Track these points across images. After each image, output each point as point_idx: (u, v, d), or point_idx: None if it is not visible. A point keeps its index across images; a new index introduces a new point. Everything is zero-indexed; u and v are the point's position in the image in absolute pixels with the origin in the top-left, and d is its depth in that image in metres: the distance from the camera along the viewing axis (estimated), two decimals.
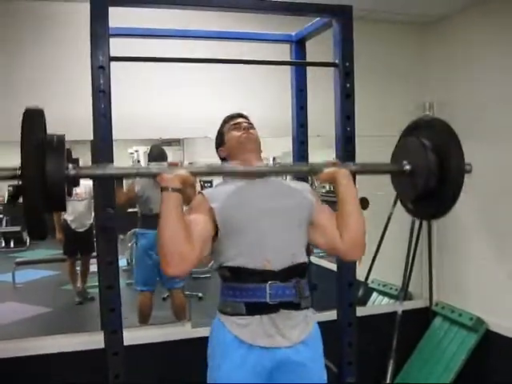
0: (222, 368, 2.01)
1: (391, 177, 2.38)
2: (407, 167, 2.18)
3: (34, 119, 1.74)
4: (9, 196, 1.75)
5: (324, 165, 2.12)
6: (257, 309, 1.99)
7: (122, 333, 2.20)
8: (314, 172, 2.15)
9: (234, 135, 2.21)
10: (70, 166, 1.79)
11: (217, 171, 2.14)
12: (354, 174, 2.17)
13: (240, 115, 2.29)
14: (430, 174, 2.09)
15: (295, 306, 2.03)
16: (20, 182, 1.67)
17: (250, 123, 2.27)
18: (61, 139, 1.80)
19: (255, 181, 2.12)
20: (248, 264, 1.99)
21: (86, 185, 4.78)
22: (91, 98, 2.26)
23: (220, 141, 2.28)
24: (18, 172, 1.66)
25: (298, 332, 2.03)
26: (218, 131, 2.31)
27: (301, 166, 2.33)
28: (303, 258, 2.09)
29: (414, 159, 2.16)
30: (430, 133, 2.15)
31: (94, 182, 2.74)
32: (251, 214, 2.02)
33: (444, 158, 2.06)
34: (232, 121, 2.26)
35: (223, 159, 2.26)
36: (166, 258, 1.85)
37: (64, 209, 1.82)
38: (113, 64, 2.15)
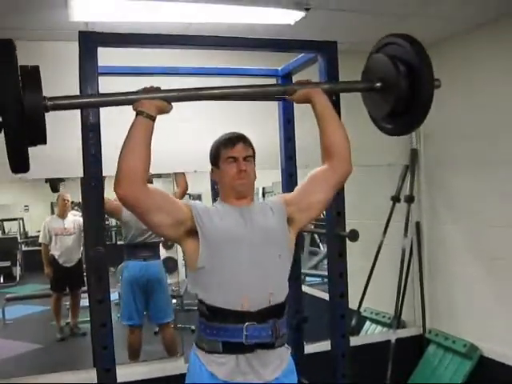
0: None
1: (362, 96, 2.42)
2: (378, 84, 2.24)
3: (5, 50, 1.71)
4: None
5: (297, 85, 2.18)
6: (233, 348, 1.98)
7: (115, 371, 2.19)
8: (288, 93, 2.18)
9: (229, 172, 2.08)
10: (46, 98, 1.81)
11: (192, 96, 2.14)
12: (328, 94, 2.20)
13: (239, 139, 2.13)
14: (401, 88, 2.13)
15: (270, 346, 2.02)
16: None
17: (249, 156, 2.12)
18: (36, 70, 1.81)
19: (239, 209, 2.08)
20: (226, 305, 1.97)
21: (74, 220, 4.80)
22: (81, 135, 2.28)
23: (214, 161, 2.16)
24: None
25: (272, 369, 2.03)
26: (213, 148, 2.17)
27: (276, 87, 2.33)
28: (281, 298, 2.06)
29: (384, 76, 2.21)
30: (399, 49, 2.19)
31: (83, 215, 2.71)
32: (232, 250, 1.99)
33: (414, 72, 2.11)
34: (231, 149, 2.10)
35: (213, 179, 2.23)
36: (122, 175, 1.84)
37: (44, 141, 1.84)
38: None
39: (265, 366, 2.01)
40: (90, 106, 2.08)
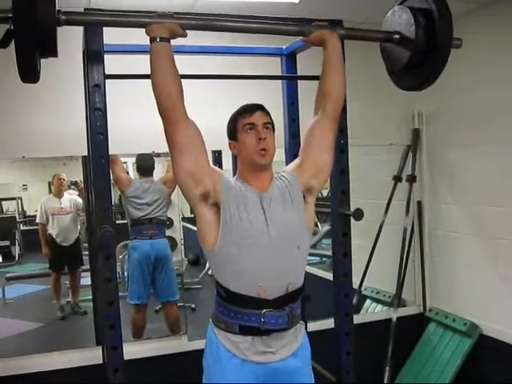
0: (216, 378, 2.05)
1: (380, 47, 2.45)
2: (396, 36, 2.26)
3: None
4: (1, 41, 1.75)
5: (314, 27, 2.20)
6: (250, 331, 2.00)
7: (122, 349, 2.20)
8: (304, 33, 2.21)
9: (248, 142, 2.01)
10: (61, 11, 1.83)
11: (208, 26, 2.13)
12: (342, 40, 2.27)
13: (258, 107, 2.07)
14: (419, 40, 2.16)
15: (286, 328, 2.04)
16: (11, 26, 1.68)
17: (269, 123, 2.06)
18: None
19: (258, 195, 2.03)
20: (244, 291, 1.98)
21: (71, 199, 4.79)
22: (86, 115, 2.27)
23: (232, 134, 2.09)
24: (9, 14, 1.66)
25: (288, 347, 2.07)
26: (231, 120, 2.11)
27: (291, 27, 2.28)
28: (299, 284, 2.08)
29: (403, 28, 2.24)
30: (420, 2, 2.20)
31: (90, 196, 2.70)
32: (252, 242, 1.96)
33: (433, 26, 2.13)
34: (248, 117, 2.04)
35: (233, 151, 2.14)
36: (157, 98, 1.92)
37: (55, 54, 1.89)
38: None
39: (281, 346, 2.04)
40: (102, 24, 2.08)
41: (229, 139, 2.12)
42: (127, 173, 4.50)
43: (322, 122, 2.14)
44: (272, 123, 2.09)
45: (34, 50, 1.74)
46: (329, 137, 2.15)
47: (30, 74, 1.80)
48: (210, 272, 4.69)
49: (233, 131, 2.08)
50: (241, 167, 2.10)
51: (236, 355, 2.01)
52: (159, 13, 1.99)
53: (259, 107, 2.08)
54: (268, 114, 2.09)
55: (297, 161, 2.21)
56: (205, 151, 1.98)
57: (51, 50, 1.85)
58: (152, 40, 1.93)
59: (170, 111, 1.91)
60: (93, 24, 2.08)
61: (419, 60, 2.21)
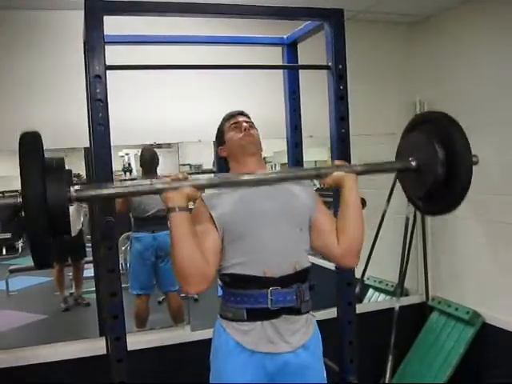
0: (224, 373, 2.03)
1: (397, 175, 2.38)
2: (413, 163, 2.15)
3: (31, 144, 1.69)
4: (12, 217, 1.73)
5: (331, 168, 2.11)
6: (258, 315, 1.99)
7: (125, 339, 2.20)
8: (322, 176, 2.11)
9: (234, 136, 2.16)
10: (72, 189, 1.76)
11: (223, 183, 2.06)
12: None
13: (240, 113, 2.24)
14: (438, 169, 2.05)
15: (296, 311, 2.03)
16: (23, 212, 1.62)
17: (251, 122, 2.22)
18: (60, 163, 1.78)
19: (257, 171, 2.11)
20: (248, 271, 1.98)
21: None
22: (87, 106, 2.27)
23: (220, 140, 2.23)
24: (19, 199, 1.62)
25: (299, 336, 2.05)
26: (218, 129, 2.26)
27: (309, 171, 2.25)
28: (306, 264, 2.09)
29: (419, 155, 2.13)
30: (434, 127, 2.11)
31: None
32: (252, 220, 1.99)
33: (451, 151, 2.03)
34: (232, 119, 2.21)
35: (224, 158, 2.23)
36: (186, 279, 1.84)
37: (69, 232, 1.77)
38: None
39: (292, 332, 2.02)
40: (115, 196, 2.06)
41: (218, 146, 2.25)
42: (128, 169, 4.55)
43: (334, 251, 2.09)
44: (253, 123, 2.23)
45: (47, 235, 1.66)
46: (328, 252, 2.12)
47: (45, 259, 1.74)
48: None
49: (221, 136, 2.23)
50: (233, 164, 2.19)
51: (245, 348, 1.99)
52: (173, 177, 1.91)
53: (240, 112, 2.24)
54: (249, 117, 2.25)
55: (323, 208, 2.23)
56: (210, 242, 1.97)
57: (64, 230, 1.76)
58: (171, 210, 1.84)
59: (204, 281, 1.87)
60: (104, 198, 2.05)
61: (439, 188, 2.09)
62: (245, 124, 2.16)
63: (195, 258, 1.83)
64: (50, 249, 1.72)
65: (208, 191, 2.06)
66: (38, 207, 1.61)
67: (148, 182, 1.94)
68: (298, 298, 2.02)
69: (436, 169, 2.05)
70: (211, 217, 1.98)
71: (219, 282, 2.11)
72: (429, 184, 2.10)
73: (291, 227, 2.05)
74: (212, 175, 2.06)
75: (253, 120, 2.27)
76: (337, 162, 2.17)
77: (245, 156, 2.13)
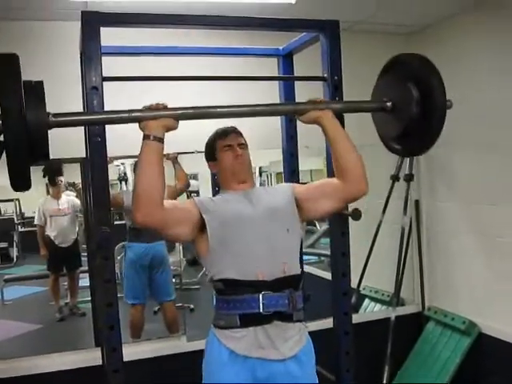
0: (219, 379, 2.02)
1: (372, 116, 2.43)
2: (388, 104, 2.23)
3: (9, 64, 1.66)
4: None
5: (308, 104, 2.15)
6: (250, 320, 2.00)
7: (121, 350, 2.20)
8: (299, 113, 2.17)
9: (226, 159, 2.19)
10: (50, 114, 1.76)
11: (201, 114, 2.09)
12: (338, 114, 2.21)
13: (233, 130, 2.25)
14: (412, 111, 2.12)
15: (288, 318, 2.04)
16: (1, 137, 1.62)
17: (243, 144, 2.24)
18: (40, 85, 1.75)
19: (242, 192, 2.16)
20: (240, 276, 2.00)
21: (69, 200, 4.79)
22: None
23: (211, 155, 2.27)
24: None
25: (291, 345, 2.05)
26: (209, 144, 2.28)
27: (286, 107, 2.33)
28: (296, 270, 2.10)
29: (395, 96, 2.20)
30: (409, 68, 2.18)
31: (87, 197, 2.70)
32: (239, 225, 2.03)
33: (425, 91, 2.09)
34: (225, 139, 2.22)
35: (213, 172, 2.33)
36: (138, 201, 1.86)
37: (47, 158, 1.80)
38: None
39: (283, 339, 2.02)
40: (93, 123, 2.05)
41: (208, 161, 2.29)
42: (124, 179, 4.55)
43: (340, 188, 2.11)
44: (245, 143, 2.25)
45: (26, 159, 1.68)
46: (339, 196, 2.14)
47: (22, 183, 1.74)
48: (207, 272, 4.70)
49: (212, 153, 2.25)
50: (223, 182, 2.25)
51: (238, 355, 1.99)
52: (152, 106, 1.94)
53: (233, 129, 2.25)
54: (241, 135, 2.27)
55: (297, 184, 2.33)
56: (182, 209, 2.05)
57: (43, 155, 1.77)
58: (146, 137, 1.88)
59: (152, 210, 1.88)
60: (83, 124, 2.12)
61: (413, 128, 2.16)
62: (238, 150, 2.19)
63: (155, 185, 1.86)
64: (28, 173, 1.73)
65: (200, 197, 2.16)
66: (18, 128, 1.61)
67: (127, 110, 1.93)
68: (290, 302, 2.02)
69: (410, 110, 2.12)
70: (201, 218, 2.04)
71: (215, 293, 2.12)
72: (402, 126, 2.18)
73: (278, 228, 2.08)
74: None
75: (249, 129, 2.31)
76: (313, 99, 2.19)
77: (238, 182, 2.20)
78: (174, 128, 1.96)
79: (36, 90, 1.73)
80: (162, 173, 1.90)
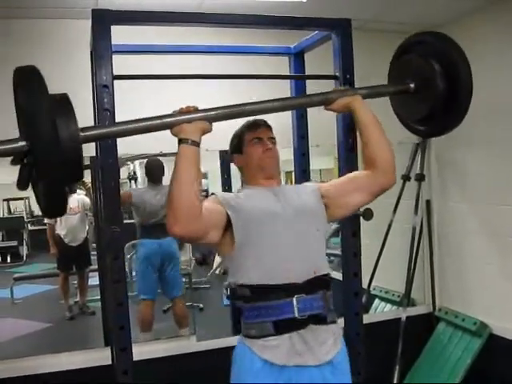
0: None
1: (391, 101, 2.36)
2: (411, 85, 2.16)
3: (33, 79, 1.47)
4: (18, 180, 1.48)
5: (336, 93, 2.10)
6: (285, 326, 1.89)
7: (131, 350, 2.19)
8: (328, 103, 2.10)
9: (255, 152, 2.08)
10: (79, 129, 1.57)
11: (234, 113, 1.95)
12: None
13: (264, 123, 2.13)
14: (438, 86, 2.05)
15: (323, 320, 1.95)
16: (26, 160, 1.43)
17: (273, 138, 2.13)
18: (67, 98, 1.58)
19: (269, 188, 2.06)
20: (270, 280, 1.89)
21: (79, 199, 4.79)
22: (94, 116, 2.26)
23: (237, 147, 2.14)
24: (25, 145, 1.42)
25: (326, 349, 1.95)
26: (237, 135, 2.16)
27: (313, 97, 2.15)
28: (325, 269, 2.01)
29: (416, 76, 2.13)
30: (428, 46, 2.11)
31: (98, 196, 2.69)
32: (268, 223, 1.94)
33: (449, 67, 2.03)
34: (254, 131, 2.11)
35: (238, 166, 2.18)
36: (178, 214, 1.72)
37: (82, 177, 1.62)
38: None
39: (320, 343, 1.93)
40: (124, 134, 1.85)
41: (232, 153, 2.17)
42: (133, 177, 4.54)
43: (371, 180, 2.07)
44: (275, 138, 2.15)
45: (62, 180, 1.50)
46: (370, 190, 2.09)
47: (58, 207, 1.59)
48: (217, 272, 4.71)
49: (238, 145, 2.14)
50: (248, 177, 2.14)
51: (274, 364, 1.88)
52: (183, 109, 1.81)
53: (264, 123, 2.13)
54: (271, 129, 2.15)
55: (324, 184, 2.21)
56: (213, 211, 1.89)
57: (79, 173, 1.59)
58: (183, 141, 1.75)
59: (192, 222, 1.75)
60: (113, 136, 1.96)
61: (440, 108, 2.09)
62: (268, 143, 2.09)
63: (193, 193, 1.73)
64: (66, 197, 1.59)
65: (223, 193, 2.04)
66: (51, 150, 1.40)
67: (157, 117, 1.79)
68: (324, 304, 1.96)
69: (437, 89, 2.05)
70: (226, 214, 1.92)
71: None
72: (429, 106, 2.11)
73: (308, 228, 2.01)
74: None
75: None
76: (339, 88, 2.17)
77: (266, 178, 2.09)
78: (210, 130, 1.84)
79: (63, 103, 1.56)
80: (201, 179, 1.80)
